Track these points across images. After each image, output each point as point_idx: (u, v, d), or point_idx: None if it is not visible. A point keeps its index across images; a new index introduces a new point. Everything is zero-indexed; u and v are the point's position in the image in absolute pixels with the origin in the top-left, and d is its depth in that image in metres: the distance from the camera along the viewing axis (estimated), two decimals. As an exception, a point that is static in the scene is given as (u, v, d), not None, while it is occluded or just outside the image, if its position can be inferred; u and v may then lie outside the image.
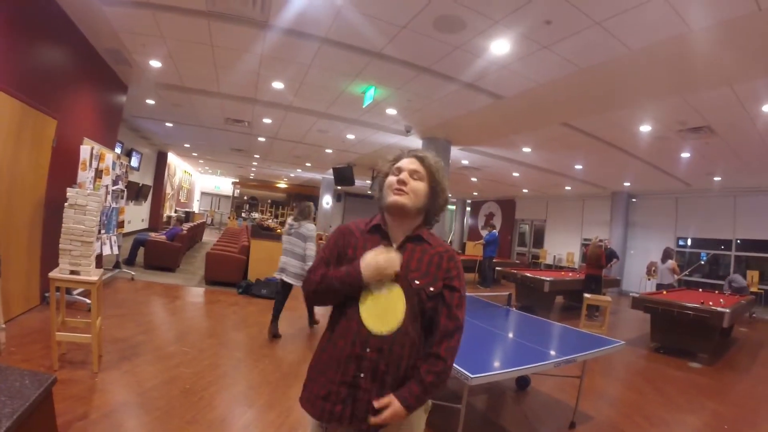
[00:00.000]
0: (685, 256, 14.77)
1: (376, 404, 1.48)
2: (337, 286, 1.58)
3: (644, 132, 8.24)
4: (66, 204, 4.05)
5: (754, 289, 12.01)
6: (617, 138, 9.00)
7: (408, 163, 1.69)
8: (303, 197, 31.96)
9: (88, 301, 4.63)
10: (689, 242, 15.11)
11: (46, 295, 5.44)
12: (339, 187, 21.05)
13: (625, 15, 4.27)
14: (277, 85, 7.77)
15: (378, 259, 1.53)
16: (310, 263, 5.54)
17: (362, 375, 1.52)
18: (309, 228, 6.00)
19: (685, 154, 9.62)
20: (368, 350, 1.52)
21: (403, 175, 1.65)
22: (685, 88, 6.03)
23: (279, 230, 10.62)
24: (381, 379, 1.52)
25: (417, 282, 1.59)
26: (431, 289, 1.60)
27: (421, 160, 1.69)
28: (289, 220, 6.27)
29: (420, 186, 1.67)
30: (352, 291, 1.57)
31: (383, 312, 1.55)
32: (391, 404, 1.48)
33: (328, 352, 1.62)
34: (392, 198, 1.63)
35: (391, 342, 1.53)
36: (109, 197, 6.53)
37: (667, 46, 4.77)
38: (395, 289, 1.57)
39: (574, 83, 6.11)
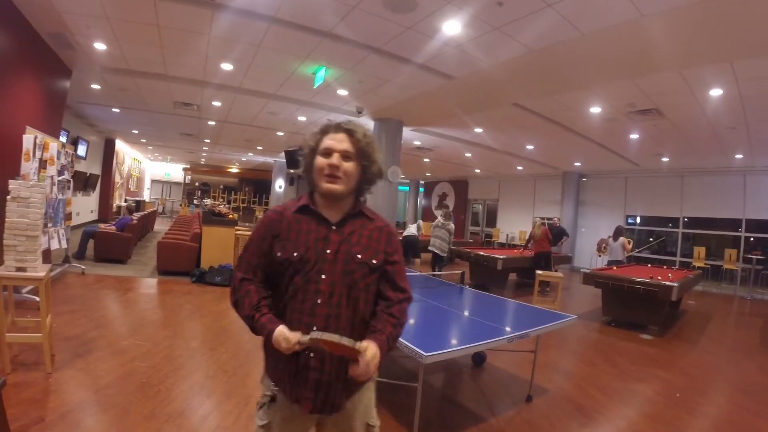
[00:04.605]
0: (635, 233, 15.33)
1: (358, 345, 1.42)
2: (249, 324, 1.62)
3: (594, 113, 8.47)
4: (8, 197, 3.85)
5: (700, 264, 12.60)
6: (568, 119, 9.21)
7: (337, 143, 1.60)
8: (255, 181, 31.60)
9: (38, 298, 4.45)
10: (638, 220, 15.73)
11: (-7, 294, 5.19)
12: (291, 171, 20.87)
13: (577, -2, 4.34)
14: (226, 66, 7.58)
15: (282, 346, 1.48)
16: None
17: (312, 355, 1.55)
18: (451, 226, 9.86)
19: (634, 136, 9.96)
20: (314, 328, 1.51)
21: (335, 159, 1.59)
22: (634, 71, 6.21)
23: (231, 216, 10.42)
24: (328, 358, 1.55)
25: (359, 256, 1.61)
26: (374, 261, 1.64)
27: (350, 134, 1.62)
28: (442, 219, 9.90)
29: (351, 167, 1.61)
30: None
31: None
32: (369, 347, 1.46)
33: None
34: (326, 186, 1.59)
35: (335, 318, 1.57)
36: (54, 188, 6.27)
37: (618, 31, 4.89)
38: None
39: (525, 65, 6.20)
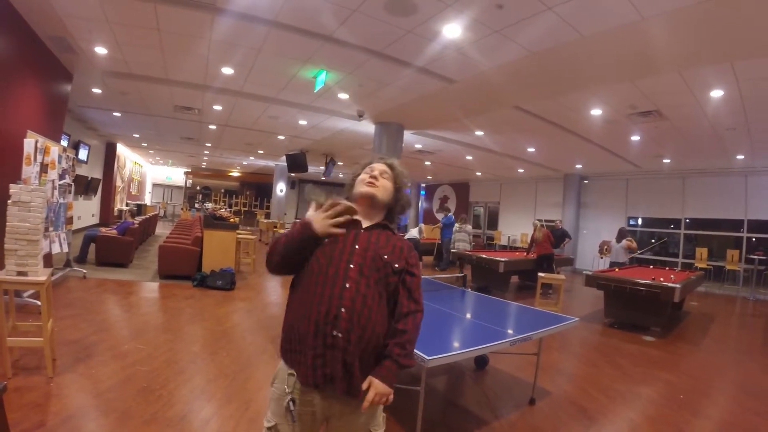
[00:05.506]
0: (636, 234, 15.31)
1: (363, 386, 1.61)
2: (296, 239, 1.73)
3: (595, 116, 8.47)
4: (9, 201, 3.85)
5: (702, 265, 12.59)
6: (569, 121, 9.22)
7: (378, 165, 1.95)
8: (257, 185, 31.66)
9: (39, 303, 4.44)
10: (640, 222, 15.70)
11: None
12: (293, 174, 20.89)
13: (578, 1, 4.34)
14: (227, 70, 7.60)
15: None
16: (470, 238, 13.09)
17: (340, 335, 1.60)
18: (468, 227, 13.44)
19: (635, 137, 9.96)
20: (343, 310, 1.61)
21: (376, 172, 1.91)
22: (635, 73, 6.21)
23: (233, 219, 10.40)
24: (355, 339, 1.63)
25: (386, 257, 1.75)
26: (396, 265, 1.77)
27: (390, 165, 1.98)
28: (458, 224, 13.52)
29: (388, 184, 1.91)
30: (308, 243, 1.72)
31: None
32: (372, 385, 1.60)
33: (300, 313, 1.69)
34: (364, 189, 1.86)
35: (362, 304, 1.65)
36: (55, 192, 6.27)
37: (619, 33, 4.89)
38: None
39: (525, 67, 6.20)
